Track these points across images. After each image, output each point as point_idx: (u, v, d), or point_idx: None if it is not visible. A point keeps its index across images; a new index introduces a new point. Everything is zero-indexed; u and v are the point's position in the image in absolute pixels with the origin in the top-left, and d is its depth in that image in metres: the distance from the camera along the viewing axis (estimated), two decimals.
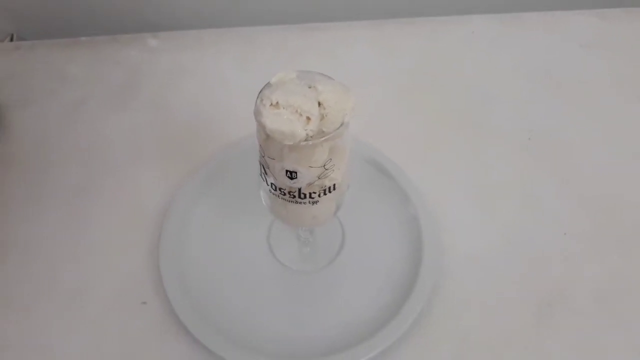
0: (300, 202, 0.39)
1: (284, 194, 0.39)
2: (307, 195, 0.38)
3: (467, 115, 0.64)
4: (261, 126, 0.35)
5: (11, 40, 0.71)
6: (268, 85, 0.37)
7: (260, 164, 0.39)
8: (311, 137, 0.35)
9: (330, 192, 0.39)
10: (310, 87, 0.36)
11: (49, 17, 0.71)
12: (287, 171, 0.37)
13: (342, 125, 0.36)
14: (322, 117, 0.35)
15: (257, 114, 0.35)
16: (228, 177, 0.55)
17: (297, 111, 0.34)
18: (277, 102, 0.34)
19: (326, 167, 0.37)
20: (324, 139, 0.35)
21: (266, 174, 0.39)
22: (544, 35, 0.72)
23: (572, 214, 0.56)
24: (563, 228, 0.55)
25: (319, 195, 0.39)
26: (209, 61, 0.68)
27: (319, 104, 0.35)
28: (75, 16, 0.71)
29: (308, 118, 0.34)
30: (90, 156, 0.59)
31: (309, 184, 0.38)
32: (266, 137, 0.36)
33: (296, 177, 0.37)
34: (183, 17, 0.73)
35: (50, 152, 0.59)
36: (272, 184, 0.39)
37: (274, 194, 0.40)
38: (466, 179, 0.58)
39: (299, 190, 0.38)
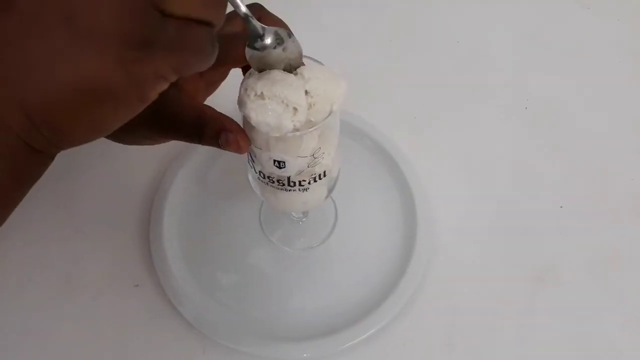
0: (290, 190, 0.38)
1: (273, 182, 0.38)
2: (297, 183, 0.37)
3: (461, 82, 0.62)
4: (247, 117, 0.34)
5: None
6: (252, 72, 0.35)
7: (248, 152, 0.38)
8: (298, 128, 0.34)
9: (320, 178, 0.38)
10: (296, 74, 0.34)
11: None
12: (274, 161, 0.36)
13: (331, 114, 0.34)
14: (309, 106, 0.34)
15: (242, 105, 0.34)
16: (218, 155, 0.53)
17: (283, 102, 0.33)
18: (262, 93, 0.33)
19: (315, 155, 0.36)
20: (312, 129, 0.34)
21: (254, 161, 0.38)
22: None
23: (569, 187, 0.55)
24: (559, 201, 0.54)
25: (309, 183, 0.38)
26: None
27: (306, 92, 0.33)
28: None
29: (295, 109, 0.33)
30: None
31: (299, 172, 0.37)
32: (251, 128, 0.34)
33: (284, 167, 0.36)
34: None
35: None
36: (260, 171, 0.38)
37: (262, 181, 0.39)
38: (460, 150, 0.57)
39: (288, 178, 0.37)
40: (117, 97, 0.24)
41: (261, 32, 0.32)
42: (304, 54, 0.35)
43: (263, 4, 0.40)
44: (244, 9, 0.31)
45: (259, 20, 0.36)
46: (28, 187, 0.26)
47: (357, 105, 0.55)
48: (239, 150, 0.35)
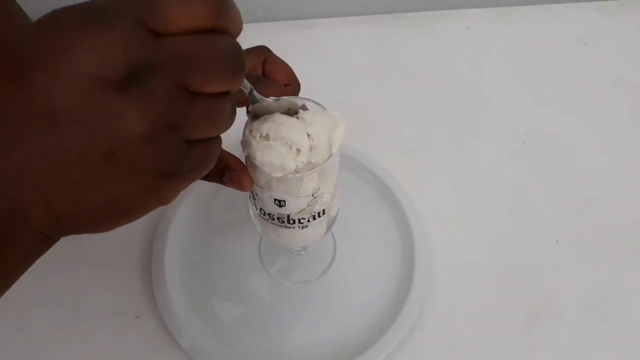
0: (289, 227, 0.39)
1: (273, 219, 0.39)
2: (297, 221, 0.38)
3: (460, 116, 0.63)
4: (251, 157, 0.35)
5: None
6: (253, 113, 0.36)
7: (250, 190, 0.39)
8: (300, 169, 0.34)
9: (320, 216, 0.39)
10: (298, 118, 0.35)
11: None
12: (275, 200, 0.37)
13: (330, 156, 0.35)
14: (310, 149, 0.35)
15: (247, 145, 0.35)
16: (219, 189, 0.54)
17: (287, 143, 0.34)
18: (267, 134, 0.34)
19: (315, 195, 0.36)
20: (313, 171, 0.35)
21: (255, 199, 0.39)
22: (540, 30, 0.71)
23: (565, 222, 0.56)
24: (555, 236, 0.55)
25: (309, 221, 0.38)
26: None
27: (308, 135, 0.35)
28: None
29: (298, 150, 0.34)
30: None
31: (299, 211, 0.37)
32: (255, 168, 0.35)
33: (285, 206, 0.37)
34: None
35: None
36: (261, 209, 0.39)
37: (263, 218, 0.39)
38: (458, 184, 0.58)
39: (288, 216, 0.38)
40: (142, 212, 0.26)
41: (262, 100, 0.34)
42: (308, 91, 0.36)
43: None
44: (248, 87, 0.33)
45: (264, 63, 0.38)
46: (33, 262, 0.28)
47: (357, 138, 0.56)
48: (242, 188, 0.36)
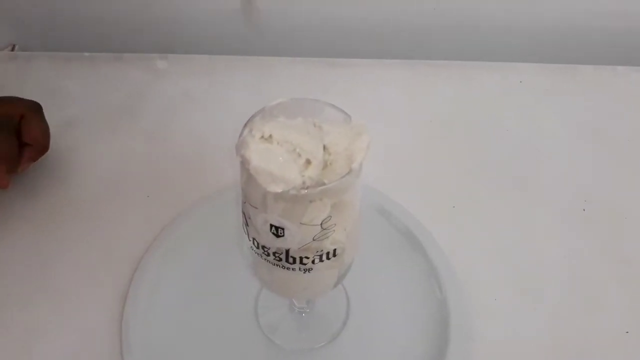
0: (288, 268, 0.30)
1: (268, 255, 0.30)
2: (298, 260, 0.29)
3: (509, 177, 0.55)
4: (245, 162, 0.27)
5: (12, 50, 0.66)
6: (262, 111, 0.29)
7: (242, 212, 0.31)
8: (307, 186, 0.26)
9: (329, 258, 0.30)
10: (315, 126, 0.27)
11: (52, 29, 0.66)
12: (271, 226, 0.28)
13: (348, 174, 0.27)
14: (325, 165, 0.27)
15: (242, 146, 0.27)
16: (215, 227, 0.46)
17: (295, 150, 0.26)
18: (271, 135, 0.26)
19: (324, 226, 0.28)
20: (320, 189, 0.26)
21: (248, 225, 0.30)
22: (605, 91, 0.63)
23: (638, 309, 0.45)
24: (624, 324, 0.44)
25: (313, 262, 0.29)
26: (219, 90, 0.60)
27: (324, 147, 0.27)
28: (81, 31, 0.66)
29: (308, 161, 0.26)
30: (67, 187, 0.52)
31: (301, 246, 0.29)
32: (248, 178, 0.27)
33: (283, 235, 0.28)
34: (198, 42, 0.67)
35: (24, 177, 0.51)
36: (254, 238, 0.30)
37: (256, 252, 0.31)
38: (505, 253, 0.49)
39: (287, 251, 0.29)
40: None
41: None
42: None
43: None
44: None
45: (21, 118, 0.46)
46: None
47: (391, 186, 0.50)
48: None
